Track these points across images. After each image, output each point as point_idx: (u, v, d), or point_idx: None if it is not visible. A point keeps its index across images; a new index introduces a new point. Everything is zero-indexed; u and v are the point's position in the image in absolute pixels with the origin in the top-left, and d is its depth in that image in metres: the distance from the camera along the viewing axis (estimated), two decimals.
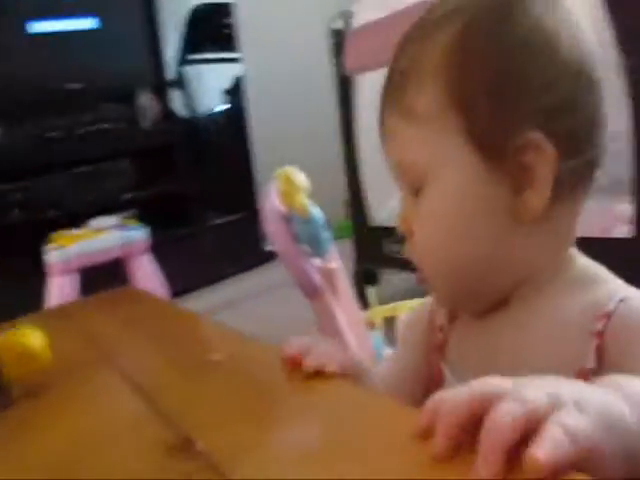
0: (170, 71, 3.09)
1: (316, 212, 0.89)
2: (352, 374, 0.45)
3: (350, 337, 0.92)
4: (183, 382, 0.47)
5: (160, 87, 3.00)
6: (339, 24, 2.08)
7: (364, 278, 2.15)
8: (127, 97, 2.91)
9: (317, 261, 0.94)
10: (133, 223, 2.38)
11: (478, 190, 0.40)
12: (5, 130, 2.60)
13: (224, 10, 3.16)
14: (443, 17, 0.42)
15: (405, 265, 1.89)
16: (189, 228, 2.92)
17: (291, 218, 0.89)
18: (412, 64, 0.43)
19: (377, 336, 0.96)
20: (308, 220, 0.88)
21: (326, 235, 0.92)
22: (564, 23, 0.41)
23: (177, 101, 3.15)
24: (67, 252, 2.33)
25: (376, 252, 2.04)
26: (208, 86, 3.29)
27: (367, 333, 1.12)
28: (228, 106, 3.26)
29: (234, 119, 3.22)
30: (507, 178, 0.40)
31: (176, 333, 0.60)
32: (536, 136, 0.39)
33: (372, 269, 2.16)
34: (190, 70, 3.19)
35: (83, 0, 2.75)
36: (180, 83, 3.17)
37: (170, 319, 0.65)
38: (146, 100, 2.95)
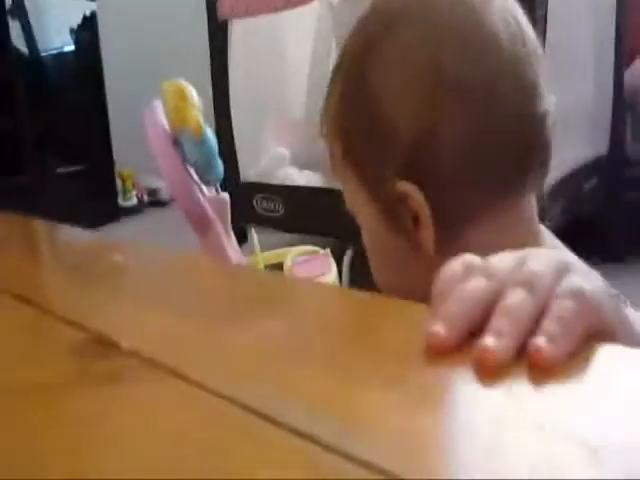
0: None
1: (209, 132, 0.79)
2: None
3: None
4: (80, 288, 0.37)
5: None
6: None
7: (235, 235, 2.05)
8: None
9: (206, 190, 0.84)
10: None
11: (383, 234, 0.44)
12: None
13: None
14: (333, 71, 0.46)
15: (277, 223, 1.82)
16: (26, 176, 2.60)
17: (180, 139, 0.78)
18: (325, 117, 0.47)
19: None
20: (201, 141, 0.78)
21: (218, 160, 0.82)
22: (410, 54, 0.40)
23: (16, 33, 2.76)
24: None
25: (248, 209, 1.95)
26: (53, 20, 2.94)
27: None
28: (77, 44, 2.93)
29: (84, 59, 2.90)
30: (399, 222, 0.42)
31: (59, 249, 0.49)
32: (403, 186, 0.40)
33: (242, 227, 2.07)
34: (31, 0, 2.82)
35: None
36: (19, 13, 2.78)
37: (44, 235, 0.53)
38: None
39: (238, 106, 1.99)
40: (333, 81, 0.46)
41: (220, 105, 1.98)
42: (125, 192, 2.95)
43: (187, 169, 0.79)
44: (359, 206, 0.45)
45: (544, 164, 0.42)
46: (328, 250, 1.03)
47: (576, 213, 1.70)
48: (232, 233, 1.02)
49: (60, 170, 2.76)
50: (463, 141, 0.39)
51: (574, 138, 1.73)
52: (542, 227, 0.45)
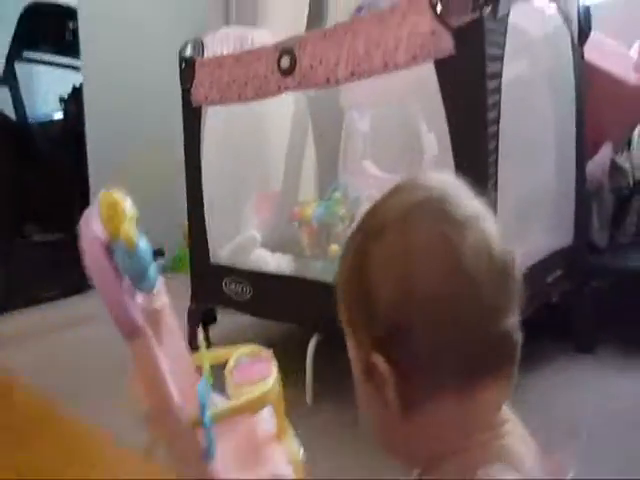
0: None
1: (143, 244, 0.79)
2: None
3: (172, 385, 0.82)
4: None
5: None
6: (189, 52, 2.01)
7: (202, 317, 2.04)
8: None
9: (141, 298, 0.84)
10: None
11: (365, 388, 0.49)
12: None
13: (66, 12, 2.93)
14: (350, 239, 0.52)
15: (244, 307, 1.82)
16: (5, 242, 2.62)
17: (113, 248, 0.79)
18: (337, 279, 0.52)
19: (202, 384, 0.88)
20: (133, 253, 0.79)
21: (153, 270, 0.82)
22: (391, 261, 0.47)
23: (5, 100, 2.85)
24: None
25: (216, 291, 1.95)
26: (42, 90, 3.03)
27: (194, 380, 1.04)
28: (63, 114, 3.00)
29: (69, 129, 2.96)
30: (375, 384, 0.47)
31: None
32: (376, 359, 0.46)
33: (211, 308, 2.06)
34: (23, 69, 2.92)
35: None
36: (9, 81, 2.88)
37: None
38: None
39: (210, 187, 2.02)
40: (346, 251, 0.52)
41: (192, 187, 2.02)
42: None
43: (119, 276, 0.79)
44: (353, 359, 0.51)
45: (508, 369, 0.48)
46: (271, 352, 1.02)
47: (542, 304, 1.70)
48: (179, 339, 1.01)
49: (36, 237, 2.78)
50: (427, 342, 0.45)
51: (539, 230, 1.76)
52: (511, 417, 0.50)
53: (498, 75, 1.41)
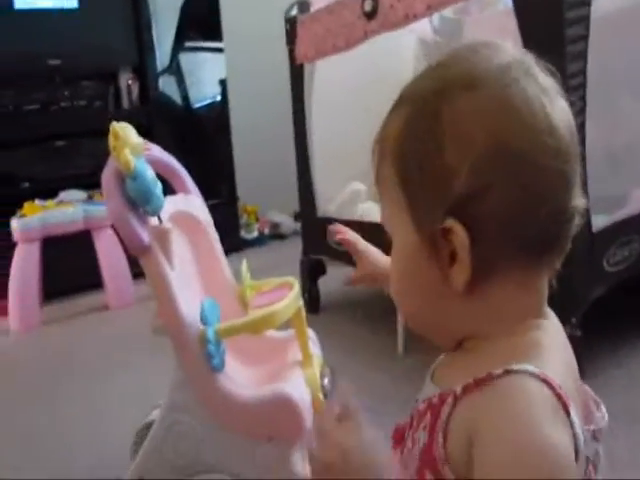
0: (152, 54, 3.07)
1: (142, 167, 0.86)
2: None
3: (181, 299, 0.89)
4: None
5: (142, 69, 3.01)
6: (294, 12, 2.05)
7: (312, 268, 2.11)
8: (107, 77, 2.93)
9: (153, 220, 0.91)
10: (100, 198, 2.37)
11: (416, 259, 0.46)
12: None
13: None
14: (401, 99, 0.48)
15: (348, 258, 1.85)
16: None
17: (124, 176, 0.87)
18: (381, 138, 0.48)
19: (208, 302, 0.92)
20: (133, 177, 0.86)
21: (158, 193, 0.89)
22: (487, 113, 0.43)
23: (166, 86, 3.18)
24: (28, 222, 2.37)
25: (322, 243, 2.00)
26: (206, 74, 3.32)
27: (232, 301, 1.10)
28: (215, 97, 3.26)
29: (217, 109, 3.22)
30: (437, 255, 0.44)
31: None
32: (450, 223, 0.43)
33: (320, 259, 2.12)
34: (182, 57, 3.22)
35: None
36: (174, 71, 3.20)
37: None
38: (126, 81, 2.96)
39: (318, 143, 2.06)
40: (401, 102, 0.47)
41: (299, 144, 2.08)
42: (248, 225, 3.17)
43: (126, 201, 0.87)
44: (398, 228, 0.48)
45: (560, 253, 0.46)
46: (296, 282, 1.04)
47: None
48: (218, 259, 1.08)
49: None
50: (511, 201, 0.43)
51: None
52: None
53: None
